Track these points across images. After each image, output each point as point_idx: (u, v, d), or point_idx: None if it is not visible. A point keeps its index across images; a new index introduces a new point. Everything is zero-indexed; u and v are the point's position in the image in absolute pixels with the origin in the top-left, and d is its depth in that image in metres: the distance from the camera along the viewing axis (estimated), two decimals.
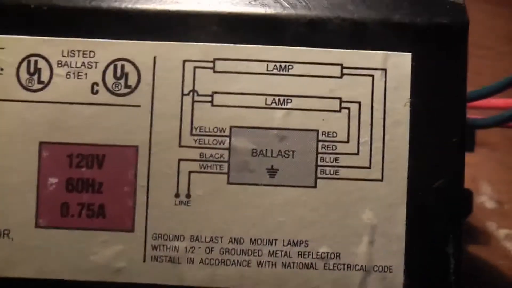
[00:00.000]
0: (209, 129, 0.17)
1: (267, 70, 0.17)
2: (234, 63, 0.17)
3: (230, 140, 0.17)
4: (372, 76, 0.17)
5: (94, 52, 0.17)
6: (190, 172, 0.17)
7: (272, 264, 0.17)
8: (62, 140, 0.17)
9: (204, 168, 0.17)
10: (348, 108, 0.17)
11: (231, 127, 0.17)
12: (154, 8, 0.18)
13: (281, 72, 0.17)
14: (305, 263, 0.17)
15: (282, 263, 0.17)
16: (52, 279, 0.17)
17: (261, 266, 0.17)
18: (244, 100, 0.17)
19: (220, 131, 0.17)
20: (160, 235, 0.17)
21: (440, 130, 0.17)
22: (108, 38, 0.17)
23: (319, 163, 0.17)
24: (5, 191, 0.17)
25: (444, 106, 0.17)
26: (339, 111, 0.17)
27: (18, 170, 0.17)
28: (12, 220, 0.17)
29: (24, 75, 0.17)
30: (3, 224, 0.17)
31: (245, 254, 0.17)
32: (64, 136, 0.17)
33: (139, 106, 0.17)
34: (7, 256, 0.17)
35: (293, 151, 0.17)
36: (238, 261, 0.17)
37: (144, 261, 0.17)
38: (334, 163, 0.17)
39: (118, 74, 0.17)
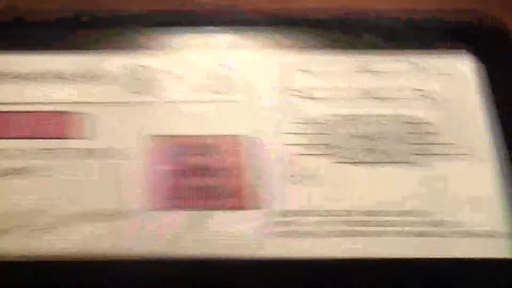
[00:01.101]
0: (310, 119, 0.18)
1: None
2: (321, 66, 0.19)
3: (331, 126, 0.18)
4: None
5: None
6: (301, 154, 0.18)
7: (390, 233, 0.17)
8: (170, 134, 0.18)
9: (312, 151, 0.18)
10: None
11: (332, 114, 0.18)
12: None
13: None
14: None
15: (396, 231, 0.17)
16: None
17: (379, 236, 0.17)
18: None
19: (322, 120, 0.18)
20: (281, 212, 0.17)
21: None
22: None
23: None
24: (120, 179, 0.17)
25: None
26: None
27: (131, 161, 0.17)
28: (127, 204, 0.17)
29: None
30: (118, 207, 0.17)
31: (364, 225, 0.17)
32: (172, 130, 0.18)
33: (238, 102, 0.18)
34: (123, 237, 0.16)
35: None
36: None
37: (267, 237, 0.17)
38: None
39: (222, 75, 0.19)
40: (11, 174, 0.17)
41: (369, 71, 0.19)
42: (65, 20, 0.20)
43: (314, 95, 0.19)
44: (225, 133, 0.18)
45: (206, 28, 0.20)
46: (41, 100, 0.18)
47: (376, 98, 0.19)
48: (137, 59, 0.19)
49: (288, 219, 0.17)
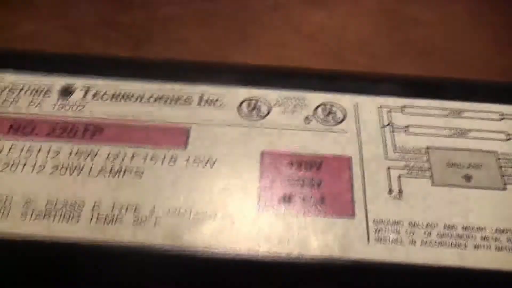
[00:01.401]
0: (408, 149, 0.20)
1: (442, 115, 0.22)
2: (416, 110, 0.22)
3: (428, 155, 0.20)
4: None
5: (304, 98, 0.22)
6: (399, 176, 0.20)
7: (486, 247, 0.18)
8: (281, 151, 0.20)
9: (410, 174, 0.20)
10: None
11: (427, 147, 0.20)
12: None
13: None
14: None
15: (495, 246, 0.18)
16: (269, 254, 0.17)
17: (477, 248, 0.18)
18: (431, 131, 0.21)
19: (418, 150, 0.20)
20: (380, 220, 0.18)
21: None
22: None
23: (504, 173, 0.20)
24: (229, 189, 0.19)
25: None
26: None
27: (242, 173, 0.19)
28: (236, 208, 0.19)
29: (245, 110, 0.21)
30: (227, 210, 0.18)
31: (461, 238, 0.18)
32: (282, 149, 0.20)
33: (347, 132, 0.21)
34: (229, 234, 0.18)
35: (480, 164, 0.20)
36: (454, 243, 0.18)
37: (367, 242, 0.18)
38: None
39: (327, 112, 0.21)
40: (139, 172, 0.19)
41: (461, 116, 0.21)
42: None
43: (410, 130, 0.21)
44: (335, 154, 0.20)
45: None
46: (165, 119, 0.21)
47: (468, 137, 0.21)
48: (253, 93, 0.22)
49: (385, 227, 0.18)
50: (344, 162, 0.20)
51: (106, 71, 0.22)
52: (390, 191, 0.19)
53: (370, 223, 0.18)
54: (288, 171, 0.19)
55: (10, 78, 0.22)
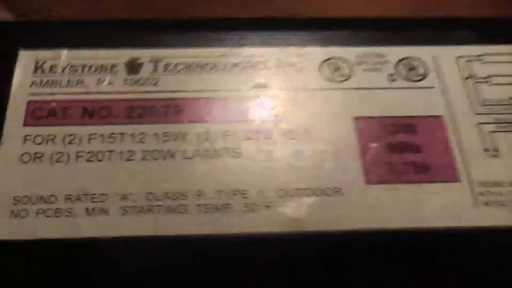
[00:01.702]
0: (493, 101, 0.20)
1: None
2: (495, 57, 0.21)
3: None
4: None
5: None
6: (491, 131, 0.19)
7: None
8: (374, 115, 0.19)
9: (502, 128, 0.19)
10: None
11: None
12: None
13: None
14: None
15: None
16: (389, 229, 0.17)
17: None
18: None
19: (506, 101, 0.20)
20: (483, 183, 0.18)
21: None
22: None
23: None
24: (330, 157, 0.18)
25: None
26: None
27: (339, 140, 0.19)
28: (342, 180, 0.18)
29: (326, 71, 0.20)
30: (334, 183, 0.18)
31: None
32: (374, 112, 0.19)
33: (433, 87, 0.20)
34: (342, 210, 0.17)
35: None
36: None
37: (474, 207, 0.18)
38: None
39: (409, 68, 0.20)
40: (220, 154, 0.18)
41: None
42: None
43: (492, 80, 0.20)
44: (426, 114, 0.19)
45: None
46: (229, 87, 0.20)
47: None
48: (332, 53, 0.21)
49: (489, 189, 0.18)
50: (437, 122, 0.19)
51: (172, 38, 0.21)
52: (486, 149, 0.19)
53: (475, 187, 0.18)
54: (385, 137, 0.19)
55: (66, 55, 0.20)
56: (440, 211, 0.17)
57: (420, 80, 0.20)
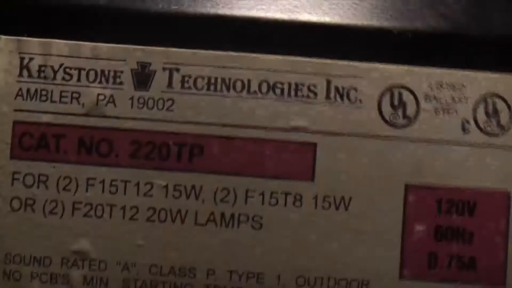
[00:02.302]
0: None
1: None
2: None
3: None
4: None
5: (464, 85, 0.16)
6: None
7: None
8: (431, 183, 0.16)
9: None
10: None
11: None
12: None
13: None
14: None
15: None
16: None
17: None
18: None
19: None
20: None
21: None
22: (476, 70, 0.16)
23: None
24: (365, 238, 0.15)
25: None
26: None
27: (381, 216, 0.15)
28: (373, 270, 0.15)
29: (387, 109, 0.16)
30: (362, 275, 0.15)
31: None
32: (433, 179, 0.16)
33: (511, 147, 0.16)
34: None
35: None
36: None
37: None
38: None
39: (490, 112, 0.16)
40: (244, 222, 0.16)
41: None
42: None
43: None
44: (492, 188, 0.16)
45: None
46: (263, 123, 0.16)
47: None
48: (398, 78, 0.16)
49: None
50: (500, 201, 0.16)
51: (193, 36, 0.16)
52: None
53: None
54: (436, 217, 0.16)
55: (57, 48, 0.16)
56: None
57: (500, 134, 0.16)
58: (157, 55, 0.16)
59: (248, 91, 0.16)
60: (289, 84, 0.16)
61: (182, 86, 0.15)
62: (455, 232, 0.16)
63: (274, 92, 0.16)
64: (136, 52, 0.15)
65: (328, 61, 0.16)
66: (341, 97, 0.16)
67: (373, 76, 0.16)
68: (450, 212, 0.16)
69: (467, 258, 0.16)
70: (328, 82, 0.16)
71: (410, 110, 0.16)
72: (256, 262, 0.15)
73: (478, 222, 0.16)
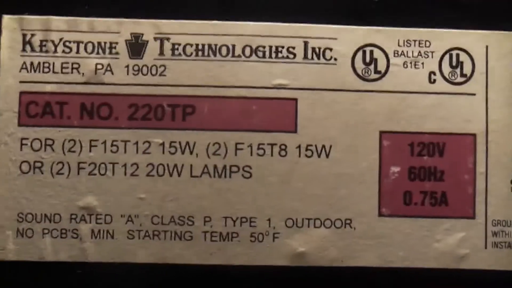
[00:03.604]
0: None
1: None
2: None
3: None
4: None
5: (429, 41, 0.17)
6: None
7: None
8: (403, 129, 0.17)
9: None
10: None
11: None
12: None
13: None
14: None
15: None
16: (396, 267, 0.17)
17: None
18: None
19: None
20: (499, 222, 0.17)
21: None
22: (440, 27, 0.18)
23: None
24: (346, 181, 0.17)
25: None
26: None
27: (359, 160, 0.17)
28: (354, 210, 0.17)
29: (360, 65, 0.17)
30: (345, 214, 0.17)
31: None
32: (404, 125, 0.17)
33: (474, 94, 0.17)
34: (348, 245, 0.17)
35: None
36: None
37: (486, 247, 0.17)
38: None
39: (454, 63, 0.17)
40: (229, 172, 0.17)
41: None
42: None
43: None
44: (459, 131, 0.17)
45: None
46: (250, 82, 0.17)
47: None
48: (369, 38, 0.17)
49: (503, 229, 0.17)
50: (468, 143, 0.18)
51: (180, 5, 0.17)
52: None
53: (489, 225, 0.18)
54: (409, 159, 0.18)
55: (57, 24, 0.17)
56: (450, 251, 0.17)
57: (464, 82, 0.18)
58: (148, 26, 0.17)
59: (233, 55, 0.17)
60: (270, 47, 0.17)
61: (173, 54, 0.17)
62: (427, 172, 0.17)
63: (256, 54, 0.17)
64: (129, 25, 0.17)
65: (305, 25, 0.17)
66: (318, 56, 0.17)
67: (346, 37, 0.17)
68: (421, 154, 0.17)
69: (439, 194, 0.17)
70: (305, 44, 0.17)
71: (381, 65, 0.17)
72: (248, 208, 0.17)
73: (447, 161, 0.17)
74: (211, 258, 0.17)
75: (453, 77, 0.17)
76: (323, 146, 0.17)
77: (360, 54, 0.17)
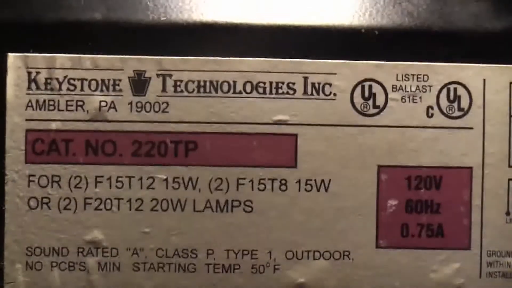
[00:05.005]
0: None
1: None
2: None
3: None
4: None
5: (427, 75, 0.18)
6: None
7: None
8: (400, 163, 0.18)
9: None
10: None
11: None
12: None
13: None
14: None
15: None
16: None
17: None
18: None
19: None
20: (494, 252, 0.18)
21: None
22: (439, 61, 0.18)
23: None
24: (345, 214, 0.18)
25: None
26: None
27: (357, 194, 0.18)
28: (353, 241, 0.18)
29: (358, 100, 0.18)
30: (343, 246, 0.18)
31: None
32: (401, 159, 0.18)
33: (471, 128, 0.18)
34: (346, 276, 0.18)
35: None
36: None
37: (480, 277, 0.18)
38: None
39: (452, 97, 0.18)
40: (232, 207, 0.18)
41: None
42: None
43: None
44: (456, 164, 0.18)
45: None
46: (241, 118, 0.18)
47: None
48: (368, 72, 0.18)
49: (498, 259, 0.18)
50: (464, 176, 0.18)
51: (182, 43, 0.18)
52: (507, 212, 0.18)
53: (484, 255, 0.18)
54: (406, 192, 0.18)
55: (61, 61, 0.17)
56: (446, 281, 0.18)
57: (461, 116, 0.18)
58: (151, 63, 0.17)
59: (234, 91, 0.17)
60: (270, 83, 0.17)
61: (175, 90, 0.17)
62: (424, 204, 0.18)
63: (257, 91, 0.17)
64: (132, 62, 0.17)
65: (304, 60, 0.18)
66: (317, 91, 0.18)
67: (345, 72, 0.18)
68: (418, 187, 0.18)
69: (436, 226, 0.18)
70: (305, 79, 0.18)
71: (379, 100, 0.18)
72: (249, 241, 0.17)
73: (444, 194, 0.18)
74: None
75: (450, 111, 0.18)
76: (322, 181, 0.17)
77: (359, 89, 0.18)
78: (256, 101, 0.17)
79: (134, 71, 0.17)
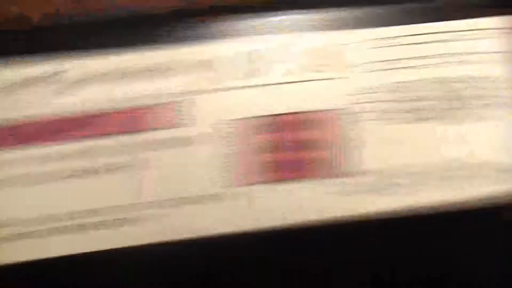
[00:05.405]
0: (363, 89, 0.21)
1: None
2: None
3: None
4: None
5: None
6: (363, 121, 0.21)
7: None
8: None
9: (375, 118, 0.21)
10: None
11: None
12: None
13: None
14: None
15: None
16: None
17: None
18: None
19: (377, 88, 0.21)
20: (350, 173, 0.21)
21: None
22: None
23: None
24: (210, 164, 0.20)
25: None
26: None
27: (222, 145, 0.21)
28: (220, 185, 0.20)
29: None
30: (211, 189, 0.20)
31: None
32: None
33: None
34: (217, 217, 0.20)
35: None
36: None
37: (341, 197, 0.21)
38: None
39: None
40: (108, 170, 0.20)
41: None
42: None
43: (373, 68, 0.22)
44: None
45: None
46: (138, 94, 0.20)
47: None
48: (245, 46, 0.21)
49: (356, 179, 0.20)
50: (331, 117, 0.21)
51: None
52: (352, 139, 0.21)
53: (343, 178, 0.21)
54: (272, 135, 0.21)
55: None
56: (309, 205, 0.20)
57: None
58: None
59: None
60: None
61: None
62: (288, 144, 0.21)
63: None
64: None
65: None
66: None
67: None
68: (288, 129, 0.21)
69: (299, 160, 0.21)
70: None
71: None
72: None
73: (306, 134, 0.21)
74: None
75: None
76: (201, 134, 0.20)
77: None
78: None
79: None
